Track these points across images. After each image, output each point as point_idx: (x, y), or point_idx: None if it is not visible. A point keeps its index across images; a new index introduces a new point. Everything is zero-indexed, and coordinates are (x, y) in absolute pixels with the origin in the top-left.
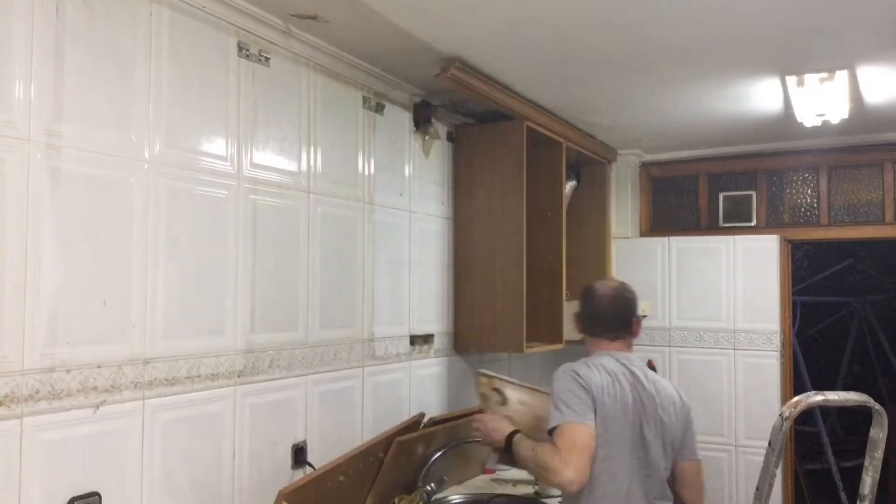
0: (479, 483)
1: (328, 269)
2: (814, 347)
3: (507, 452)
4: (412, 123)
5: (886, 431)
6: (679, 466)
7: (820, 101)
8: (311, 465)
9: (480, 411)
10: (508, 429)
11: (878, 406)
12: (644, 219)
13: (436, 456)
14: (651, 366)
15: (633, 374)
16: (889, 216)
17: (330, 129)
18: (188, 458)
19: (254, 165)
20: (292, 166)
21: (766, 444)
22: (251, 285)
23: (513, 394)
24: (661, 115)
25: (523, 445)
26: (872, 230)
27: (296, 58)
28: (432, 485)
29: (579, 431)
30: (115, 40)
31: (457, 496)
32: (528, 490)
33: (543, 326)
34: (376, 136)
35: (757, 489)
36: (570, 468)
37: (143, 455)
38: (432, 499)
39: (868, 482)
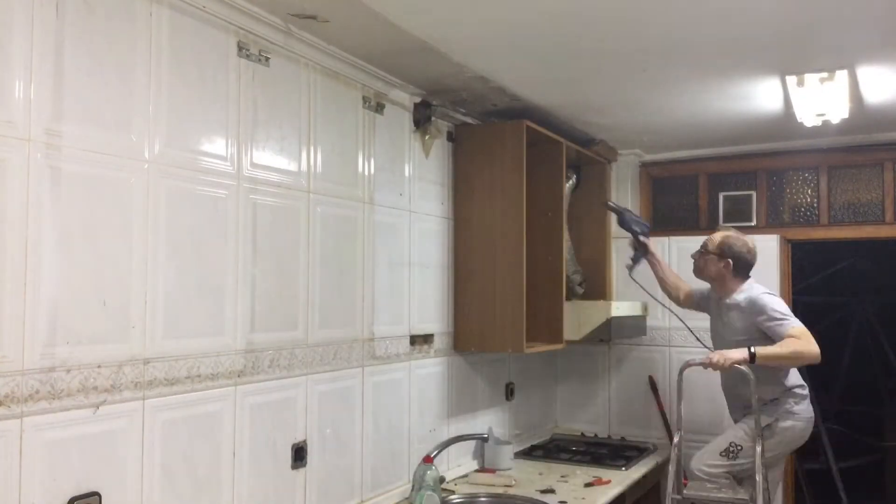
0: (481, 481)
1: (328, 269)
2: None
3: (751, 363)
4: (412, 123)
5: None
6: None
7: (820, 101)
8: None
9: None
10: (742, 349)
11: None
12: (644, 218)
13: (436, 453)
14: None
15: None
16: (889, 216)
17: (330, 129)
18: (188, 458)
19: (254, 165)
20: (292, 166)
21: None
22: (251, 285)
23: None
24: (661, 115)
25: (768, 349)
26: (872, 230)
27: (296, 58)
28: (431, 482)
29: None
30: (115, 40)
31: (456, 496)
32: (529, 490)
33: (543, 326)
34: (376, 136)
35: None
36: (814, 345)
37: (143, 455)
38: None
39: None
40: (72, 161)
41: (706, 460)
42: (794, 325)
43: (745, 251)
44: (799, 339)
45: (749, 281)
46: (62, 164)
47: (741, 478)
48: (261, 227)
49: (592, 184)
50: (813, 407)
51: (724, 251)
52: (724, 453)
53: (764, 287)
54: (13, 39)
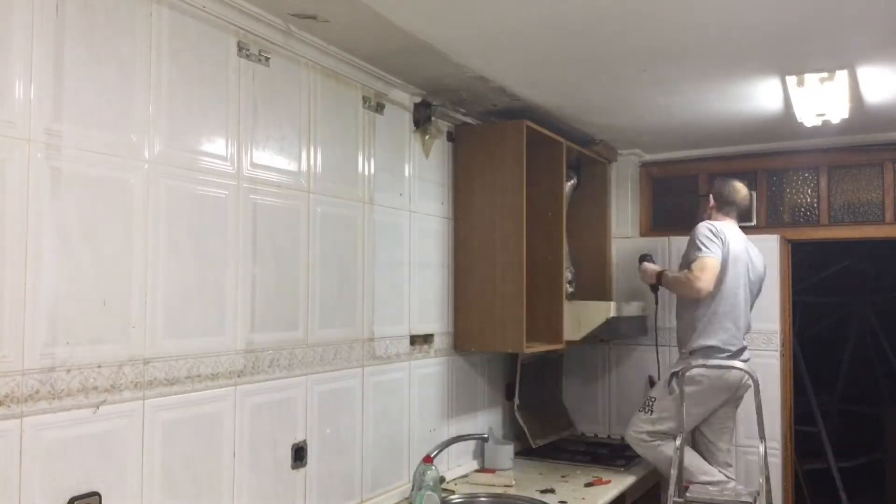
0: (481, 481)
1: (328, 269)
2: (814, 347)
3: (658, 284)
4: (412, 123)
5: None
6: None
7: (820, 101)
8: None
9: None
10: (657, 269)
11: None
12: (644, 218)
13: (436, 453)
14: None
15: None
16: (889, 216)
17: (330, 129)
18: (188, 458)
19: (254, 165)
20: (292, 166)
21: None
22: (251, 285)
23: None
24: (661, 115)
25: (669, 274)
26: (872, 230)
27: (296, 58)
28: (431, 482)
29: (709, 260)
30: (115, 40)
31: (457, 496)
32: (529, 490)
33: (543, 326)
34: (376, 136)
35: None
36: (700, 281)
37: (143, 455)
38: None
39: None
40: (72, 161)
41: (632, 426)
42: (705, 258)
43: (727, 189)
44: (691, 274)
45: (727, 220)
46: (62, 164)
47: (669, 434)
48: (261, 228)
49: (592, 184)
50: (813, 406)
51: (711, 190)
52: (641, 409)
53: (726, 223)
54: (13, 39)
